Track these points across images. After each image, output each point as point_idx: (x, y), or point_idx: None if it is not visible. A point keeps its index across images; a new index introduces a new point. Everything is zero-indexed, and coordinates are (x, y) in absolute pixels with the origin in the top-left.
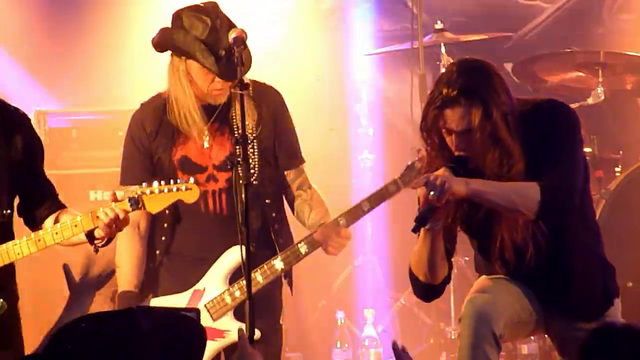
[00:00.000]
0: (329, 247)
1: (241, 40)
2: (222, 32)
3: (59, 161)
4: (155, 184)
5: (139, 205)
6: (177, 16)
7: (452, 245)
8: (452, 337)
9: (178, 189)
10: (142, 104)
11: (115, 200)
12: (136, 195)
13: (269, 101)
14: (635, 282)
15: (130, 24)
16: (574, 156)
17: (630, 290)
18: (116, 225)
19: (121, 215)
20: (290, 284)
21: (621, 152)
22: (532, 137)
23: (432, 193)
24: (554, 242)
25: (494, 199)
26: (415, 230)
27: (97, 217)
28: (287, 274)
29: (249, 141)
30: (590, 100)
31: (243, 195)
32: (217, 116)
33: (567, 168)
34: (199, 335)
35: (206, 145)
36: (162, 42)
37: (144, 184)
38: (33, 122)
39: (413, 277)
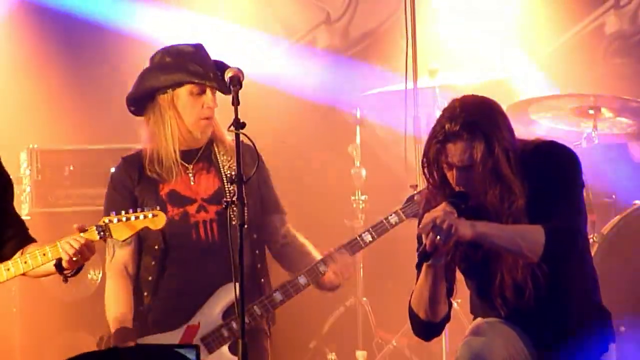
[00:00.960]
0: (334, 276)
1: (237, 79)
2: (207, 60)
3: (51, 199)
4: (123, 212)
5: (106, 234)
6: (153, 58)
7: (452, 284)
8: None
9: (145, 216)
10: (123, 158)
11: (83, 230)
12: (103, 224)
13: (250, 150)
14: (628, 327)
15: (124, 61)
16: (577, 199)
17: (623, 335)
18: (82, 254)
19: (87, 245)
20: (269, 325)
21: (614, 196)
22: (533, 177)
23: (438, 237)
24: (553, 283)
25: (499, 242)
26: (418, 266)
27: (63, 247)
28: (270, 318)
29: (245, 181)
30: (583, 144)
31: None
32: (200, 157)
33: (571, 210)
34: None
35: (192, 182)
36: (142, 88)
37: (112, 213)
38: (26, 159)
39: (413, 315)
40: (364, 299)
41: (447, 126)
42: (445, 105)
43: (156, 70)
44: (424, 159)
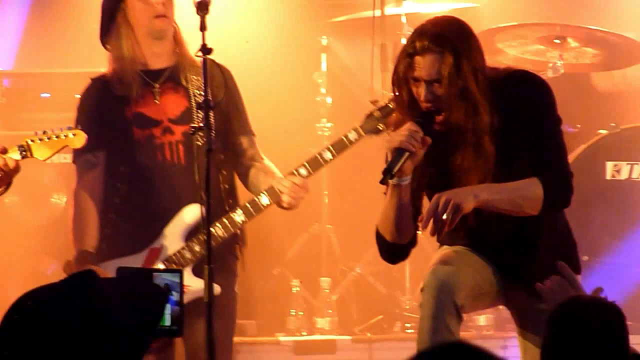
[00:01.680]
0: (289, 197)
1: (205, 5)
2: None
3: (15, 122)
4: (44, 131)
5: (27, 153)
6: None
7: (418, 208)
8: (407, 306)
9: (65, 135)
10: (91, 79)
11: (4, 151)
12: (25, 143)
13: (219, 72)
14: (591, 256)
15: None
16: (561, 135)
17: (586, 265)
18: (6, 173)
19: (10, 164)
20: (241, 248)
21: (579, 125)
22: (509, 106)
23: (444, 217)
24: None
25: (500, 205)
26: (383, 181)
27: None
28: (240, 239)
29: (212, 107)
30: (549, 74)
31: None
32: (167, 76)
33: (560, 152)
34: (159, 291)
35: (157, 101)
36: (102, 16)
37: (35, 133)
38: None
39: (379, 238)
40: (328, 226)
41: (416, 41)
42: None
43: None
44: (394, 76)
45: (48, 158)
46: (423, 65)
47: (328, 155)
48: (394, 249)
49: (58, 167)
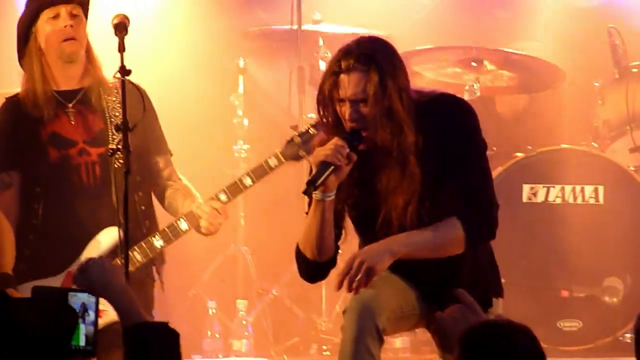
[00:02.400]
0: (207, 223)
1: (124, 26)
2: None
3: None
4: None
5: None
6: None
7: (340, 229)
8: (323, 329)
9: None
10: (6, 99)
11: None
12: None
13: (137, 93)
14: (507, 279)
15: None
16: (486, 163)
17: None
18: None
19: None
20: (160, 276)
21: (495, 148)
22: (434, 130)
23: (357, 279)
24: None
25: (421, 255)
26: (306, 192)
27: None
28: (158, 266)
29: (130, 128)
30: (465, 97)
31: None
32: (81, 97)
33: (484, 182)
34: (71, 311)
35: (72, 122)
36: (18, 40)
37: None
38: None
39: (300, 255)
40: (245, 247)
41: (342, 60)
42: (330, 55)
43: (20, 17)
44: (319, 96)
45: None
46: (348, 84)
47: (248, 181)
48: (314, 268)
49: None
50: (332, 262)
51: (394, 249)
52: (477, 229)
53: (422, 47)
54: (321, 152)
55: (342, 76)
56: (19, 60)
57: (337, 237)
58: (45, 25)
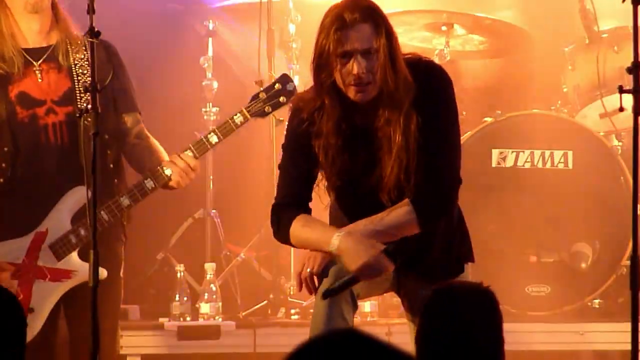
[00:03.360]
0: (179, 177)
1: None
2: None
3: None
4: None
5: None
6: None
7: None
8: (292, 292)
9: None
10: None
11: None
12: None
13: (105, 54)
14: (477, 244)
15: None
16: (455, 136)
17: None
18: None
19: None
20: (125, 230)
21: (464, 112)
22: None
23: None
24: None
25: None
26: (325, 297)
27: None
28: (126, 218)
29: (99, 90)
30: (435, 61)
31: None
32: (49, 55)
33: (448, 157)
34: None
35: (40, 80)
36: None
37: None
38: None
39: (284, 235)
40: (213, 210)
41: (345, 14)
42: (300, 18)
43: None
44: (318, 56)
45: None
46: (357, 37)
47: (214, 139)
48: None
49: None
50: None
51: (346, 239)
52: (429, 211)
53: (392, 10)
54: (367, 267)
55: (348, 30)
56: None
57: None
58: None
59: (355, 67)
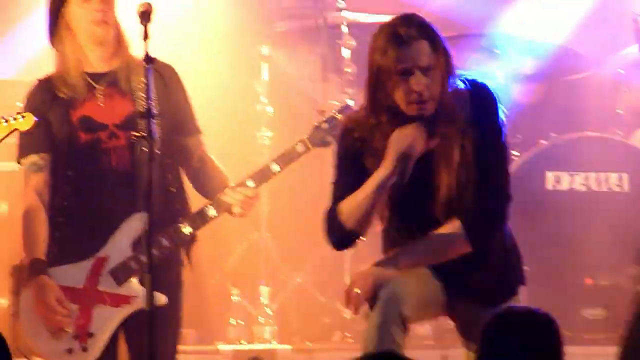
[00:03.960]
0: (238, 207)
1: (148, 14)
2: None
3: None
4: None
5: None
6: None
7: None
8: (347, 316)
9: (15, 119)
10: (39, 80)
11: None
12: None
13: (164, 74)
14: (532, 267)
15: None
16: (505, 157)
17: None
18: None
19: None
20: (189, 255)
21: (519, 136)
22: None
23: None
24: None
25: (427, 264)
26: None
27: None
28: (186, 246)
29: (154, 116)
30: (488, 84)
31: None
32: (111, 79)
33: (497, 179)
34: None
35: (102, 105)
36: (48, 20)
37: None
38: None
39: (337, 223)
40: (268, 234)
41: (401, 31)
42: (354, 43)
43: None
44: (374, 73)
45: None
46: (417, 53)
47: (275, 168)
48: (349, 237)
49: None
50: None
51: (399, 264)
52: (480, 228)
53: (447, 34)
54: (404, 139)
55: (406, 47)
56: (50, 39)
57: None
58: (75, 8)
59: (416, 84)
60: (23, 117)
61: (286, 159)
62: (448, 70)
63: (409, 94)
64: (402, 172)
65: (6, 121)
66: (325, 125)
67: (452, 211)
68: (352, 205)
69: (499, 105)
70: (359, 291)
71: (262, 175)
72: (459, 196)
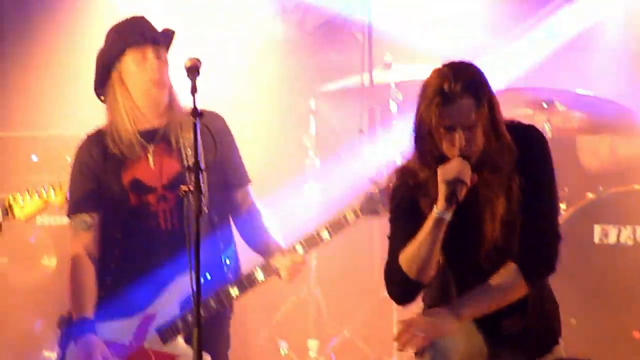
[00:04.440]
0: (286, 271)
1: (195, 69)
2: (146, 26)
3: (6, 185)
4: (27, 190)
5: (8, 212)
6: (106, 36)
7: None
8: None
9: (47, 193)
10: (88, 135)
11: None
12: (5, 203)
13: (214, 126)
14: (579, 319)
15: (81, 49)
16: (555, 198)
17: (573, 327)
18: None
19: None
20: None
21: (566, 189)
22: (524, 163)
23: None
24: None
25: (487, 311)
26: (450, 203)
27: None
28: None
29: (202, 170)
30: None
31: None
32: (160, 137)
33: (550, 219)
34: None
35: (152, 166)
36: (96, 70)
37: (17, 193)
38: None
39: (399, 274)
40: (317, 288)
41: (446, 86)
42: (401, 98)
43: (103, 49)
44: (419, 125)
45: (30, 217)
46: (460, 111)
47: (325, 235)
48: (411, 288)
49: (48, 229)
50: (425, 285)
51: (460, 313)
52: (535, 268)
53: (494, 88)
54: (451, 170)
55: (449, 105)
56: (96, 89)
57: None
58: (131, 65)
59: (457, 141)
60: (55, 192)
61: (336, 226)
62: (494, 122)
63: (451, 150)
64: (455, 198)
65: (39, 195)
66: (377, 195)
67: (497, 258)
68: (413, 251)
69: (546, 146)
70: (418, 334)
71: (311, 242)
72: (505, 243)
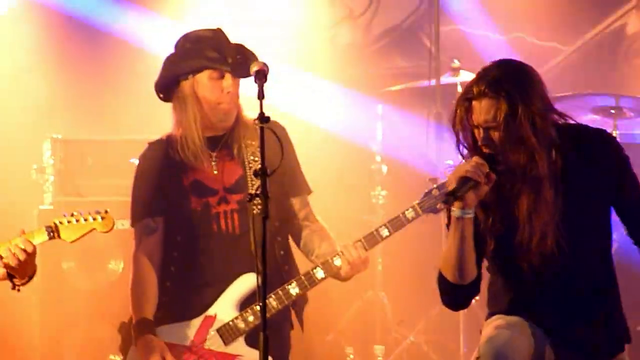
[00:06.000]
0: (349, 267)
1: (263, 73)
2: (226, 44)
3: (71, 188)
4: (74, 213)
5: (54, 234)
6: (176, 45)
7: (482, 250)
8: None
9: (94, 218)
10: (149, 143)
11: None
12: (53, 225)
13: (274, 132)
14: None
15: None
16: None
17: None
18: (29, 255)
19: (28, 248)
20: (299, 317)
21: None
22: (580, 160)
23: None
24: (582, 278)
25: None
26: (446, 202)
27: (8, 248)
28: (297, 307)
29: (268, 174)
30: None
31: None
32: (223, 144)
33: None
34: None
35: (215, 171)
36: (165, 75)
37: (64, 215)
38: (49, 148)
39: (441, 280)
40: (382, 293)
41: (474, 85)
42: None
43: (177, 57)
44: (453, 120)
45: (75, 240)
46: (479, 111)
47: (385, 232)
48: (456, 292)
49: (115, 233)
50: (474, 288)
51: None
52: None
53: (561, 94)
54: (462, 168)
55: (474, 102)
56: (164, 95)
57: (479, 256)
58: (207, 80)
59: (479, 138)
60: (102, 218)
61: (396, 224)
62: (519, 125)
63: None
64: (455, 196)
65: (85, 219)
66: (436, 192)
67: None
68: (445, 254)
69: (622, 147)
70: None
71: (372, 239)
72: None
